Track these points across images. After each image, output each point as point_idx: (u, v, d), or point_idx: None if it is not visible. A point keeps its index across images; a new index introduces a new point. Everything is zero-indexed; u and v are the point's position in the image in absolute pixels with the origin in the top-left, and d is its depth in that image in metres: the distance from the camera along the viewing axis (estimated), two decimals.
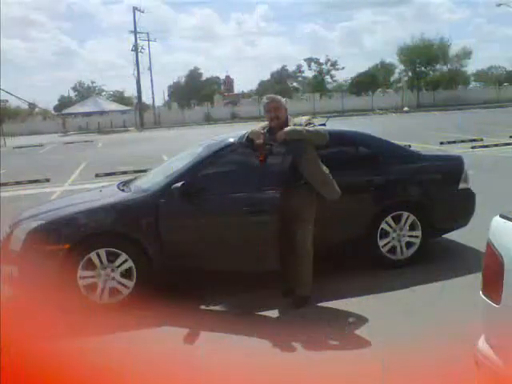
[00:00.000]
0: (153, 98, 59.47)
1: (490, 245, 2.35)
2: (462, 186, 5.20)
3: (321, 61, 64.14)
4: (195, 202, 4.35)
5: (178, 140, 23.67)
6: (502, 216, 2.36)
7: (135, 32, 46.54)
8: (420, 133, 19.58)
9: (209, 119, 49.78)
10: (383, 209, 4.89)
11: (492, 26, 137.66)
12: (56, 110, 65.00)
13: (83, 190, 6.95)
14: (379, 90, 59.36)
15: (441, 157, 5.82)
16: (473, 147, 14.24)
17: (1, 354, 1.89)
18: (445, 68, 56.93)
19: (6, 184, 12.44)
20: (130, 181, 5.42)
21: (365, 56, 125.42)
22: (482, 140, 15.64)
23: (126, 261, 4.25)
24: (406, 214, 4.93)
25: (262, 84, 74.61)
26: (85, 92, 71.51)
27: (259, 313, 4.17)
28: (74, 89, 74.66)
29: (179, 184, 4.25)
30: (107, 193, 5.03)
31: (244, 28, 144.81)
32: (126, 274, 4.28)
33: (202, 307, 4.34)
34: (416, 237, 4.98)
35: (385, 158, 5.10)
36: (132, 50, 46.76)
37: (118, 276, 4.25)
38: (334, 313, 4.08)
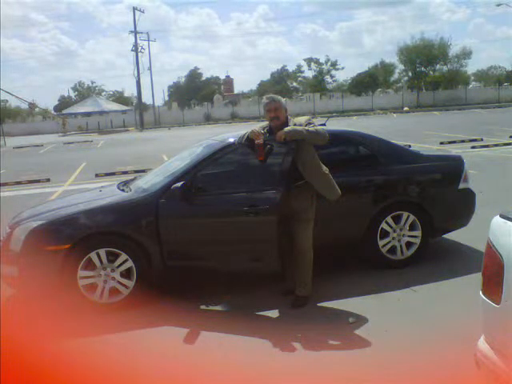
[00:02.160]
0: (153, 97, 59.66)
1: (489, 245, 2.35)
2: (462, 185, 5.20)
3: (321, 61, 64.36)
4: (195, 202, 4.34)
5: (178, 140, 23.67)
6: (502, 216, 2.36)
7: (135, 32, 46.48)
8: (420, 133, 19.58)
9: (209, 119, 49.80)
10: (383, 209, 4.89)
11: (492, 26, 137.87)
12: (56, 110, 65.03)
13: (83, 190, 6.94)
14: (379, 89, 59.38)
15: (441, 157, 5.80)
16: (473, 147, 14.25)
17: (1, 354, 1.89)
18: (445, 68, 57.00)
19: (5, 184, 12.44)
20: (130, 181, 5.42)
21: (365, 56, 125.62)
22: (481, 140, 15.66)
23: (126, 261, 4.25)
24: (405, 213, 4.93)
25: (261, 84, 74.76)
26: (85, 92, 71.66)
27: (259, 313, 4.16)
28: (74, 89, 74.88)
29: (179, 184, 4.25)
30: (107, 193, 5.02)
31: (244, 28, 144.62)
32: (126, 274, 4.28)
33: (202, 307, 4.34)
34: (416, 237, 4.98)
35: (385, 157, 5.10)
36: (132, 50, 46.71)
37: (118, 276, 4.25)
38: (334, 313, 4.08)
